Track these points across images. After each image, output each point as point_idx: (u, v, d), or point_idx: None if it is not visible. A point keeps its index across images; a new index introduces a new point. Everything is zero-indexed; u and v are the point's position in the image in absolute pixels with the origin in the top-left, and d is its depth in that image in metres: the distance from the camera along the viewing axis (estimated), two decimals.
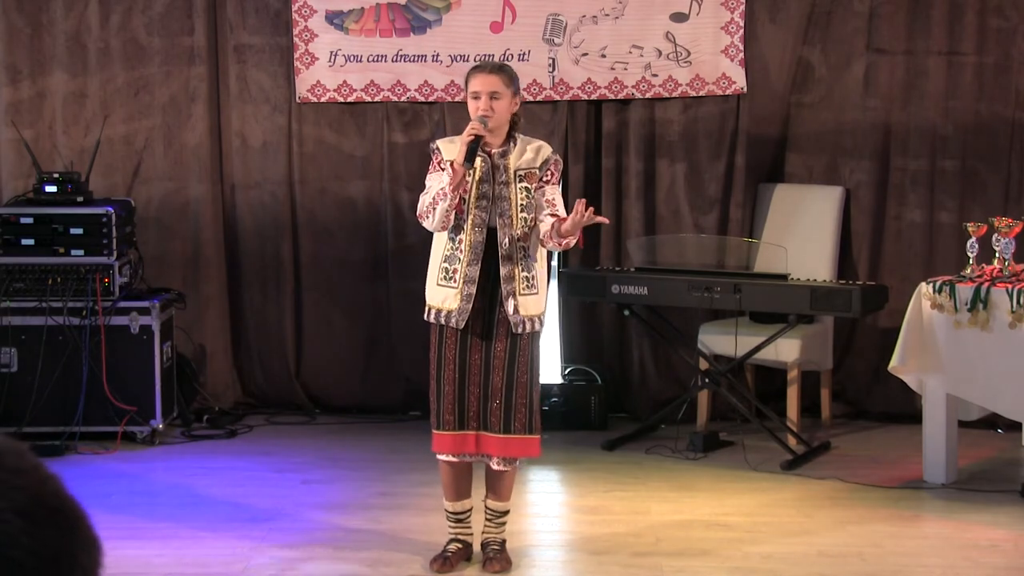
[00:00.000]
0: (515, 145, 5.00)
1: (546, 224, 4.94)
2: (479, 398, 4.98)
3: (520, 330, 4.96)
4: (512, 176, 4.96)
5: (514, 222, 4.94)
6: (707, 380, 6.79)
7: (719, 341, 6.88)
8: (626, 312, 6.83)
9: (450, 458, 5.04)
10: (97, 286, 6.73)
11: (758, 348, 6.58)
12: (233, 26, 7.28)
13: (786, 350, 6.74)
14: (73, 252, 6.78)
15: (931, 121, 7.14)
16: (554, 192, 5.04)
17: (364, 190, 7.38)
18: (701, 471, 6.39)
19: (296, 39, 7.20)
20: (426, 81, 7.21)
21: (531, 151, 5.01)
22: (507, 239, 4.93)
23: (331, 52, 7.20)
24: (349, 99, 7.25)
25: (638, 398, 7.35)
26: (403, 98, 7.24)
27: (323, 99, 7.26)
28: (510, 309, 4.93)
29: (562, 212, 5.00)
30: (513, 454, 5.01)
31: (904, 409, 7.04)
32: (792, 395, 6.83)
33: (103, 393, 6.67)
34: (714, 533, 5.48)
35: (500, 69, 5.00)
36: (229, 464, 6.54)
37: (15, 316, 6.73)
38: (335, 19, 7.20)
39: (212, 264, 7.38)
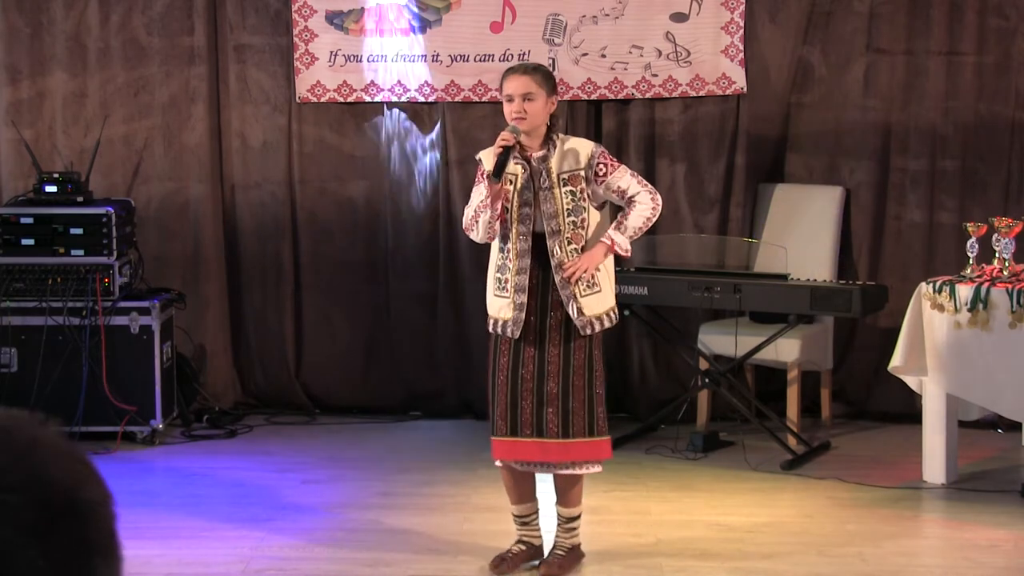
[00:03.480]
0: (555, 148, 4.88)
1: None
2: (532, 404, 4.91)
3: (588, 331, 4.87)
4: (556, 180, 4.85)
5: (563, 228, 4.85)
6: (707, 380, 6.79)
7: (719, 341, 6.88)
8: (626, 312, 6.82)
9: (501, 463, 5.00)
10: (97, 286, 6.73)
11: (758, 348, 6.58)
12: (233, 26, 7.28)
13: (786, 350, 6.73)
14: (73, 252, 6.78)
15: (931, 121, 7.14)
16: (619, 179, 4.88)
17: (364, 190, 7.38)
18: (701, 471, 6.39)
19: (296, 39, 7.20)
20: (426, 81, 7.21)
21: (572, 153, 4.88)
22: (557, 246, 4.84)
23: (331, 52, 7.20)
24: (349, 99, 7.25)
25: (638, 398, 7.35)
26: (403, 98, 7.24)
27: (323, 99, 7.26)
28: (574, 313, 4.84)
29: (635, 190, 4.88)
30: (576, 457, 4.93)
31: (904, 409, 7.04)
32: (792, 395, 6.83)
33: (103, 393, 6.67)
34: (714, 533, 5.48)
35: (535, 70, 4.89)
36: (229, 464, 6.54)
37: (15, 316, 6.73)
38: (335, 19, 7.20)
39: (212, 264, 7.38)
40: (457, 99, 7.19)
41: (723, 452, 6.67)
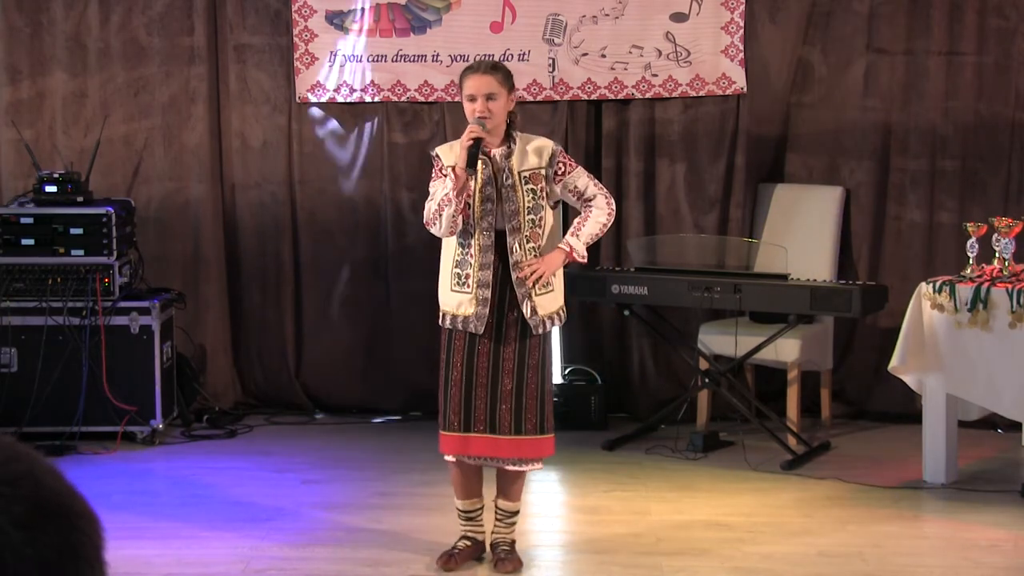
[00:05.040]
0: (515, 145, 4.95)
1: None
2: (486, 400, 4.96)
3: (540, 330, 4.95)
4: (518, 179, 4.92)
5: (523, 226, 4.91)
6: (707, 380, 6.79)
7: (719, 341, 6.88)
8: (626, 312, 6.83)
9: (454, 459, 5.04)
10: (97, 286, 6.73)
11: (758, 348, 6.58)
12: (233, 26, 7.28)
13: (786, 350, 6.73)
14: (73, 252, 6.78)
15: (931, 121, 7.14)
16: (576, 179, 5.00)
17: (364, 190, 7.38)
18: (701, 471, 6.39)
19: (296, 39, 7.20)
20: (426, 81, 7.21)
21: (533, 152, 4.96)
22: (517, 243, 4.90)
23: (331, 52, 7.20)
24: (349, 99, 7.25)
25: (638, 398, 7.35)
26: (403, 98, 7.24)
27: (323, 99, 7.26)
28: (527, 311, 4.91)
29: (592, 193, 5.02)
30: (526, 455, 4.99)
31: (904, 409, 7.04)
32: (792, 395, 6.83)
33: (103, 393, 6.67)
34: (714, 533, 5.48)
35: (494, 68, 4.96)
36: (229, 464, 6.54)
37: (15, 316, 6.73)
38: (335, 19, 7.20)
39: (212, 264, 7.38)
40: (457, 99, 7.16)
41: (723, 452, 6.67)
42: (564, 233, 5.18)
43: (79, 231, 6.78)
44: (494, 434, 4.97)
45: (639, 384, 7.36)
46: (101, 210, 6.81)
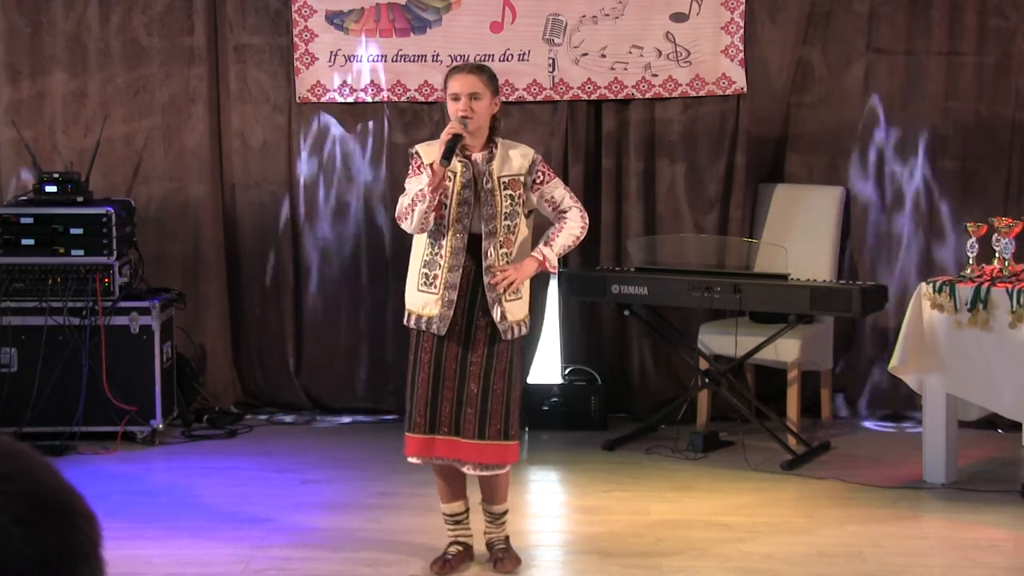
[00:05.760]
0: (497, 150, 4.95)
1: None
2: (452, 403, 4.94)
3: (509, 336, 4.93)
4: (497, 183, 4.92)
5: (499, 230, 4.91)
6: (707, 380, 6.79)
7: (719, 341, 6.88)
8: (626, 312, 6.83)
9: (419, 461, 5.02)
10: (97, 286, 6.73)
11: (758, 348, 6.58)
12: (233, 26, 7.29)
13: (786, 350, 6.73)
14: (73, 252, 6.78)
15: (931, 121, 7.14)
16: (553, 190, 5.01)
17: (364, 190, 7.38)
18: (701, 471, 6.39)
19: (296, 39, 7.21)
20: (426, 81, 7.21)
21: (514, 158, 4.96)
22: (492, 248, 4.90)
23: (331, 52, 7.20)
24: (349, 99, 7.26)
25: (638, 398, 7.35)
26: (403, 98, 7.24)
27: (323, 99, 7.26)
28: (497, 316, 4.90)
29: (567, 205, 5.02)
30: (488, 460, 4.95)
31: (904, 409, 7.04)
32: (792, 395, 6.83)
33: (103, 393, 6.67)
34: (714, 533, 5.48)
35: (480, 69, 4.96)
36: (229, 464, 6.54)
37: (15, 316, 6.73)
38: (335, 19, 7.20)
39: (212, 264, 7.38)
40: None
41: (723, 452, 6.67)
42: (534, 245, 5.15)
43: (79, 231, 6.79)
44: (458, 437, 4.94)
45: (639, 384, 7.37)
46: (101, 210, 6.81)
